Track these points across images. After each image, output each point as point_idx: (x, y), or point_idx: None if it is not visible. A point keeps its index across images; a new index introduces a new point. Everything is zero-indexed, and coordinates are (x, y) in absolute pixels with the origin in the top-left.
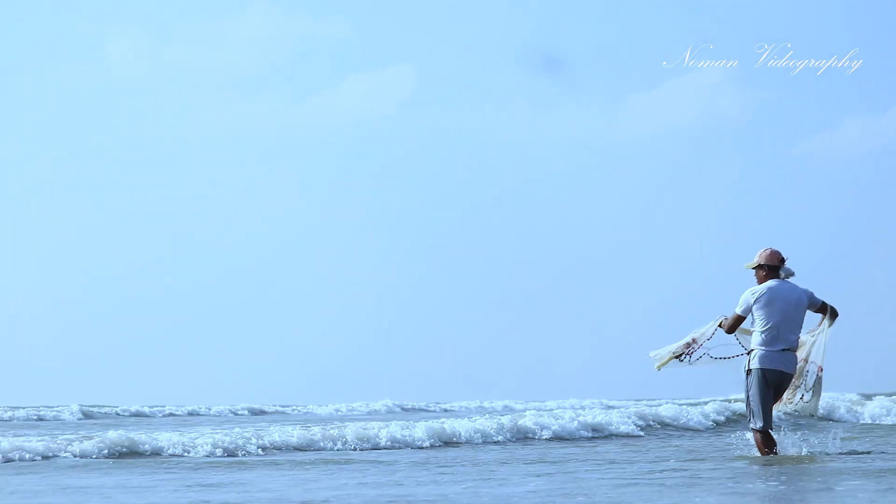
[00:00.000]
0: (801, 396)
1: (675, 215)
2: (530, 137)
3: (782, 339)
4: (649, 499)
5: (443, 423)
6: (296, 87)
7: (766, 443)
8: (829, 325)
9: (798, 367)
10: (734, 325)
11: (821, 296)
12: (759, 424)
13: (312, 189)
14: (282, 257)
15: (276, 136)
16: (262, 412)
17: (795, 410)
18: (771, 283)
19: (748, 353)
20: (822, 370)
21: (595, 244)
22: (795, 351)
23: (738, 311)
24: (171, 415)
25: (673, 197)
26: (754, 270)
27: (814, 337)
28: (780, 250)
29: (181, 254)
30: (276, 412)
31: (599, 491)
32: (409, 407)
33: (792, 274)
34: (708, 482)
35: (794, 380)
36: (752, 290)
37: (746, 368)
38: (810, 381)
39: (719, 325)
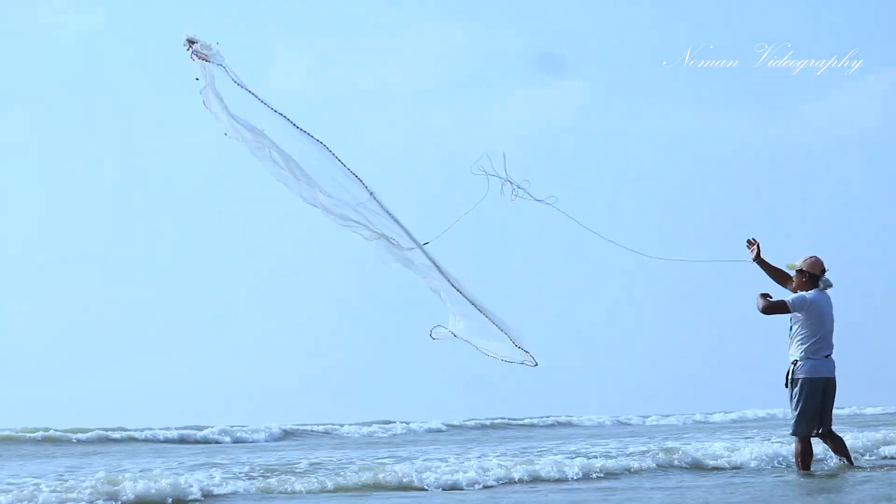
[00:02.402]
0: None
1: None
2: (704, 142)
3: (825, 347)
4: None
5: None
6: (466, 101)
7: (805, 451)
8: None
9: None
10: (774, 307)
11: None
12: (803, 431)
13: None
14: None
15: (438, 150)
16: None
17: None
18: (815, 293)
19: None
20: None
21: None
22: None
23: (788, 300)
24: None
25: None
26: (794, 273)
27: None
28: (822, 260)
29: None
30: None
31: None
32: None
33: (830, 285)
34: None
35: None
36: (805, 296)
37: (792, 378)
38: None
39: (761, 296)
